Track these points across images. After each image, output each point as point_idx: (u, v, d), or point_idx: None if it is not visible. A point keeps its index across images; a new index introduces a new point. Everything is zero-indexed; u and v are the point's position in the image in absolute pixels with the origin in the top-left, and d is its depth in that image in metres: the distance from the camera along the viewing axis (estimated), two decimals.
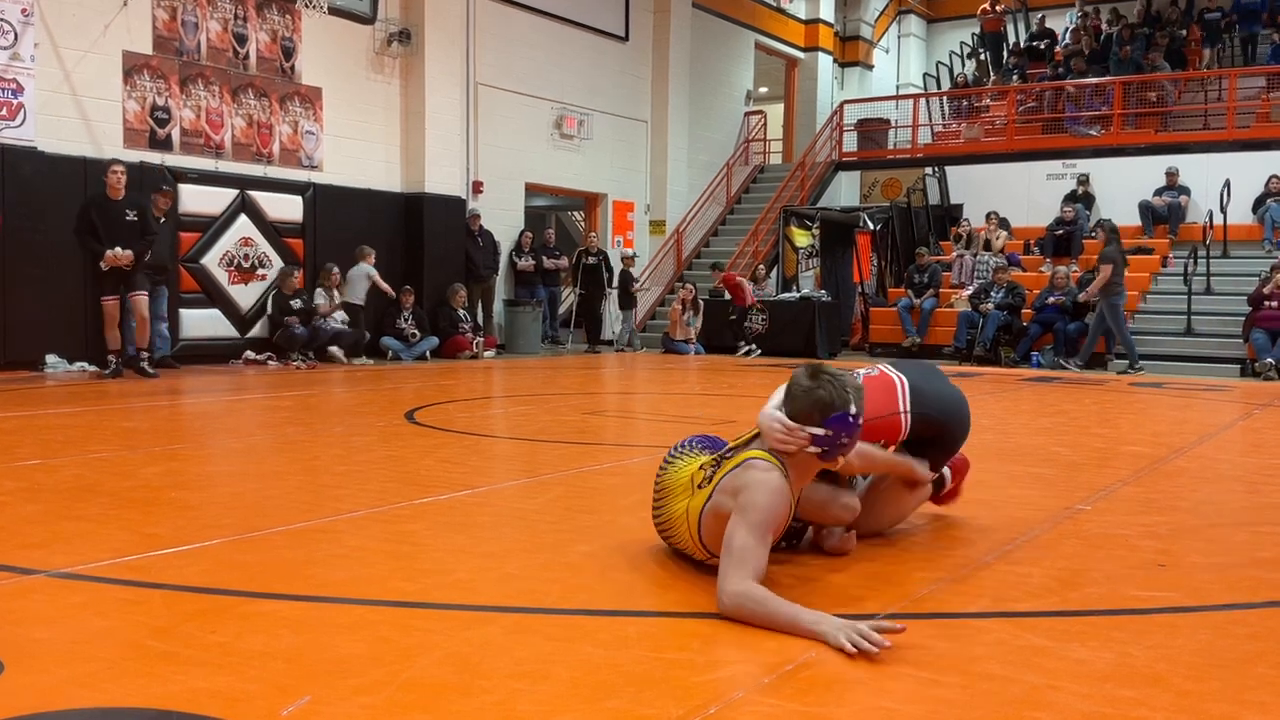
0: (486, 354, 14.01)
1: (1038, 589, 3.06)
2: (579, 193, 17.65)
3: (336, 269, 12.66)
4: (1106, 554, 3.45)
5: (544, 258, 15.77)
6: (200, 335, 11.81)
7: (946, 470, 3.65)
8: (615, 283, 16.35)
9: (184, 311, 11.68)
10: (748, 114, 21.02)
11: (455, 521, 3.88)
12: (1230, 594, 3.06)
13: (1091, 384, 10.97)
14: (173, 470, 4.93)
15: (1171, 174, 15.91)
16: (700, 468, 3.04)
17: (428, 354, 13.34)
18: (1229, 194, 14.54)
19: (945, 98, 20.54)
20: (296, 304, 12.20)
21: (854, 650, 2.38)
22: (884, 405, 3.36)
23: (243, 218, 12.24)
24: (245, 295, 12.27)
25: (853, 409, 2.88)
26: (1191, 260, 13.83)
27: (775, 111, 22.60)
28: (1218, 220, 14.65)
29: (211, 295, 11.97)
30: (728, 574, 2.68)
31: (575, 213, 20.83)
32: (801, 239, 16.69)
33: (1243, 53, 18.69)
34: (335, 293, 12.66)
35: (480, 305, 14.80)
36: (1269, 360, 11.99)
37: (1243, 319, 12.67)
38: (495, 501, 4.32)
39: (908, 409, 3.40)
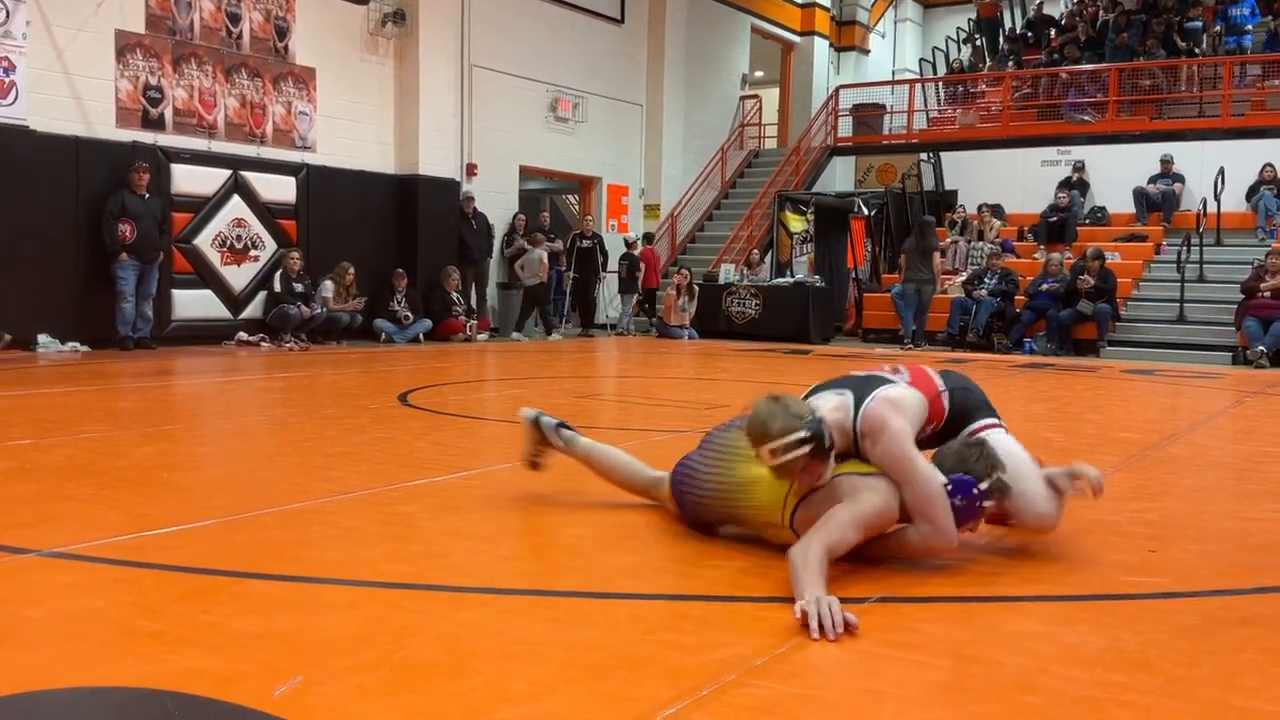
0: (480, 337, 13.99)
1: (1029, 574, 3.07)
2: (573, 176, 17.60)
3: (352, 269, 12.67)
4: (1097, 540, 3.46)
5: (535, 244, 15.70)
6: (192, 316, 11.77)
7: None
8: (614, 266, 16.30)
9: (176, 292, 11.64)
10: (743, 98, 20.96)
11: (448, 503, 3.88)
12: (1220, 580, 3.07)
13: (1084, 371, 10.99)
14: (165, 451, 4.92)
15: (1166, 161, 15.91)
16: None
17: (421, 336, 13.32)
18: (1223, 182, 14.55)
19: (941, 83, 20.50)
20: (299, 288, 12.18)
21: (808, 625, 2.43)
22: (927, 389, 3.34)
23: (236, 198, 12.19)
24: (238, 276, 12.23)
25: (984, 485, 3.02)
26: (1185, 248, 13.85)
27: (771, 96, 22.53)
28: (1211, 208, 14.66)
29: (204, 276, 11.93)
30: (813, 535, 2.80)
31: (570, 196, 20.77)
32: (796, 224, 16.67)
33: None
34: (349, 290, 12.70)
35: (474, 288, 14.77)
36: (1260, 348, 12.02)
37: (1235, 307, 12.69)
38: (488, 484, 4.32)
39: (944, 387, 3.38)
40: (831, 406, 3.12)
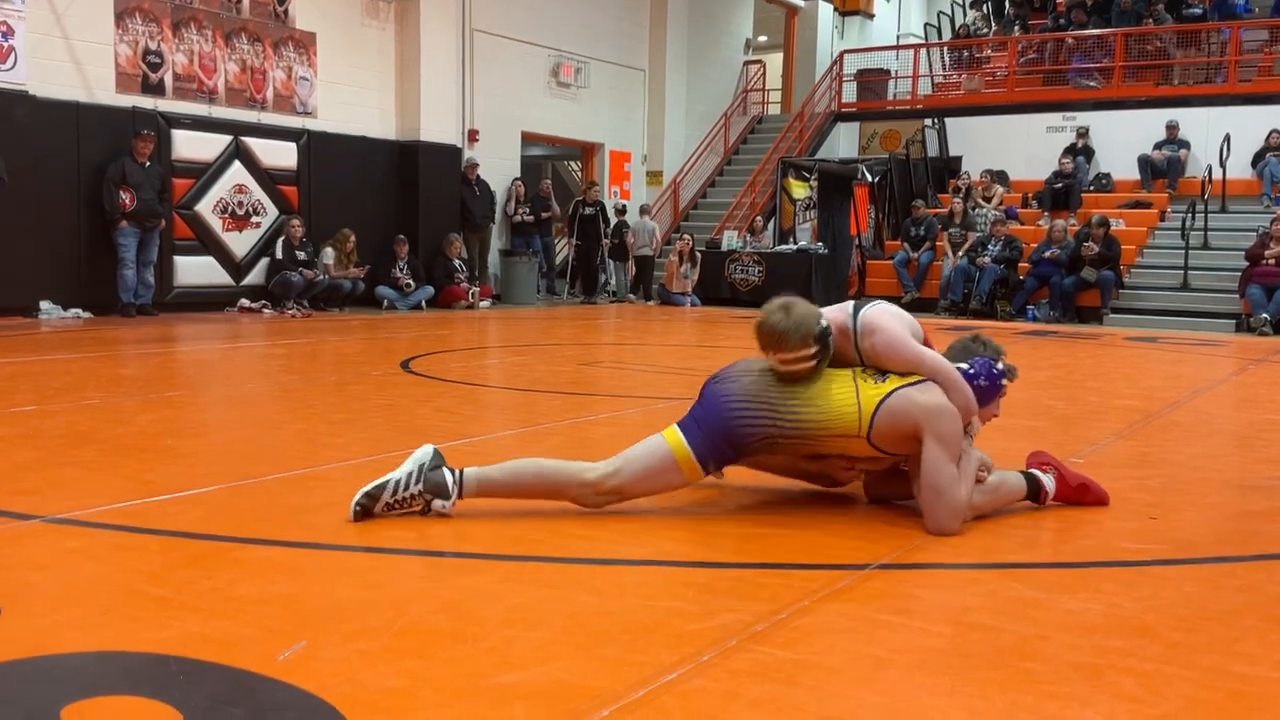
0: (482, 304, 13.98)
1: (1029, 541, 3.08)
2: (575, 142, 17.52)
3: (353, 236, 12.64)
4: (1100, 508, 3.46)
5: (540, 212, 15.67)
6: (194, 283, 11.76)
7: (1038, 474, 3.40)
8: (610, 233, 16.27)
9: (178, 259, 11.61)
10: (746, 63, 20.81)
11: None
12: (1220, 547, 3.08)
13: (1087, 338, 10.98)
14: (168, 417, 4.93)
15: (1172, 127, 15.82)
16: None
17: (423, 304, 13.31)
18: (1229, 148, 14.46)
19: (946, 48, 20.35)
20: (301, 255, 12.17)
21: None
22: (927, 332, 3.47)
23: (236, 164, 12.14)
24: (240, 243, 12.20)
25: (1000, 366, 3.35)
26: (1189, 215, 13.79)
27: (774, 61, 22.38)
28: (1217, 175, 14.58)
29: (205, 242, 11.90)
30: (947, 505, 3.02)
31: (572, 163, 20.68)
32: (799, 191, 16.59)
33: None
34: (350, 258, 12.68)
35: (476, 255, 14.74)
36: (1264, 316, 12.00)
37: (1239, 274, 12.66)
38: (491, 451, 4.32)
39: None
40: (836, 310, 3.36)
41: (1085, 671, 2.10)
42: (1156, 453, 4.62)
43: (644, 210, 16.70)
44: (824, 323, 3.15)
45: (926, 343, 3.31)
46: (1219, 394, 6.96)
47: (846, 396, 3.12)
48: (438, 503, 3.10)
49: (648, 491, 3.21)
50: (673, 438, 3.17)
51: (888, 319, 3.26)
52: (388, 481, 3.09)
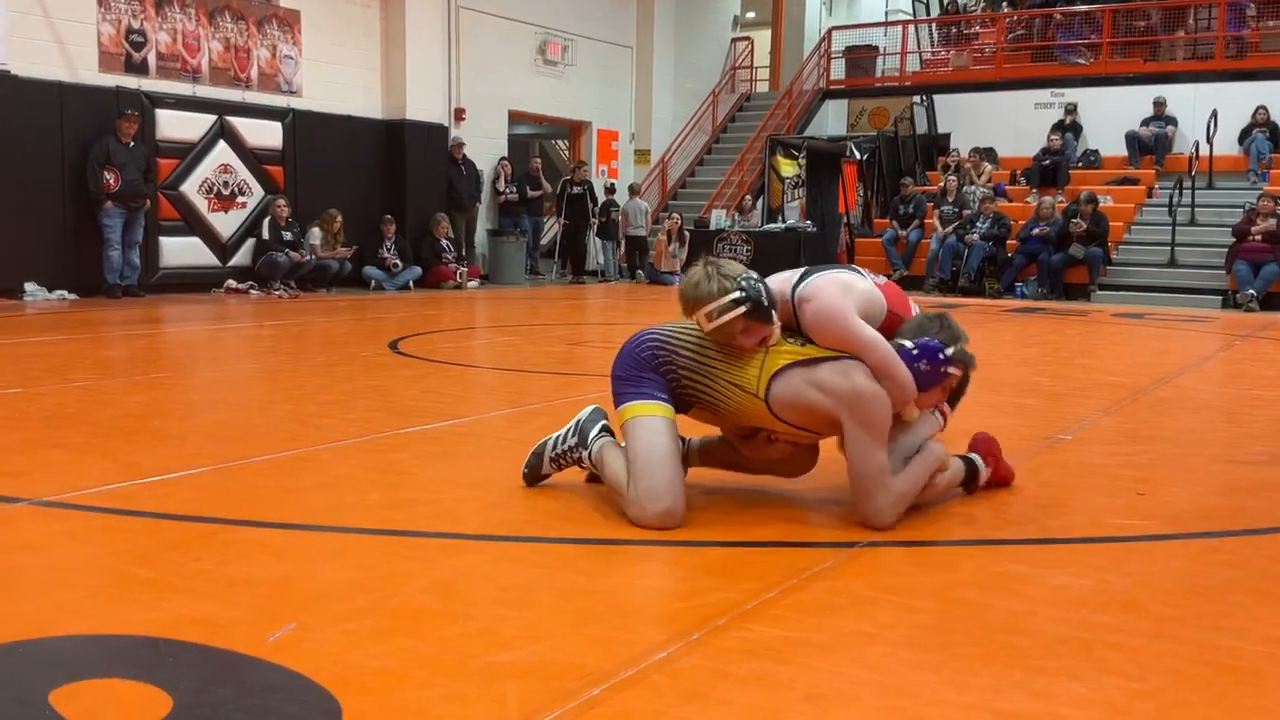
0: (470, 284, 13.94)
1: (1017, 517, 3.09)
2: (563, 121, 17.44)
3: (340, 216, 12.57)
4: (1086, 483, 3.48)
5: (527, 187, 15.62)
6: (180, 264, 11.70)
7: (977, 459, 3.26)
8: (598, 212, 16.24)
9: (163, 239, 11.55)
10: (734, 40, 20.73)
11: (440, 451, 3.88)
12: (1207, 522, 3.09)
13: (1075, 315, 11.01)
14: (155, 399, 4.91)
15: (1159, 104, 15.82)
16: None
17: (411, 284, 13.27)
18: (1216, 124, 14.47)
19: (934, 25, 20.29)
20: (288, 235, 12.10)
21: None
22: (899, 303, 3.17)
23: (221, 144, 12.06)
24: (225, 223, 12.13)
25: (949, 351, 3.02)
26: (1177, 191, 13.81)
27: (762, 38, 22.27)
28: (1204, 151, 14.60)
29: (191, 223, 11.83)
30: (877, 495, 2.83)
31: (560, 141, 20.60)
32: (787, 169, 16.56)
33: None
34: (336, 238, 12.62)
35: (464, 235, 14.70)
36: (1250, 291, 12.04)
37: (1226, 250, 12.69)
38: (480, 431, 4.32)
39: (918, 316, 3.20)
40: (779, 279, 3.07)
41: (1073, 646, 2.11)
42: (1144, 429, 4.63)
43: (635, 190, 16.66)
44: (753, 276, 2.90)
45: (892, 318, 3.05)
46: (1206, 370, 6.99)
47: (751, 353, 2.91)
48: (584, 453, 3.14)
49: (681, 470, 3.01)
50: (636, 409, 2.93)
51: (828, 287, 2.94)
52: (547, 441, 3.23)
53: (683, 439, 3.16)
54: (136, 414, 4.47)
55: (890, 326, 3.07)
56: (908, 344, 2.96)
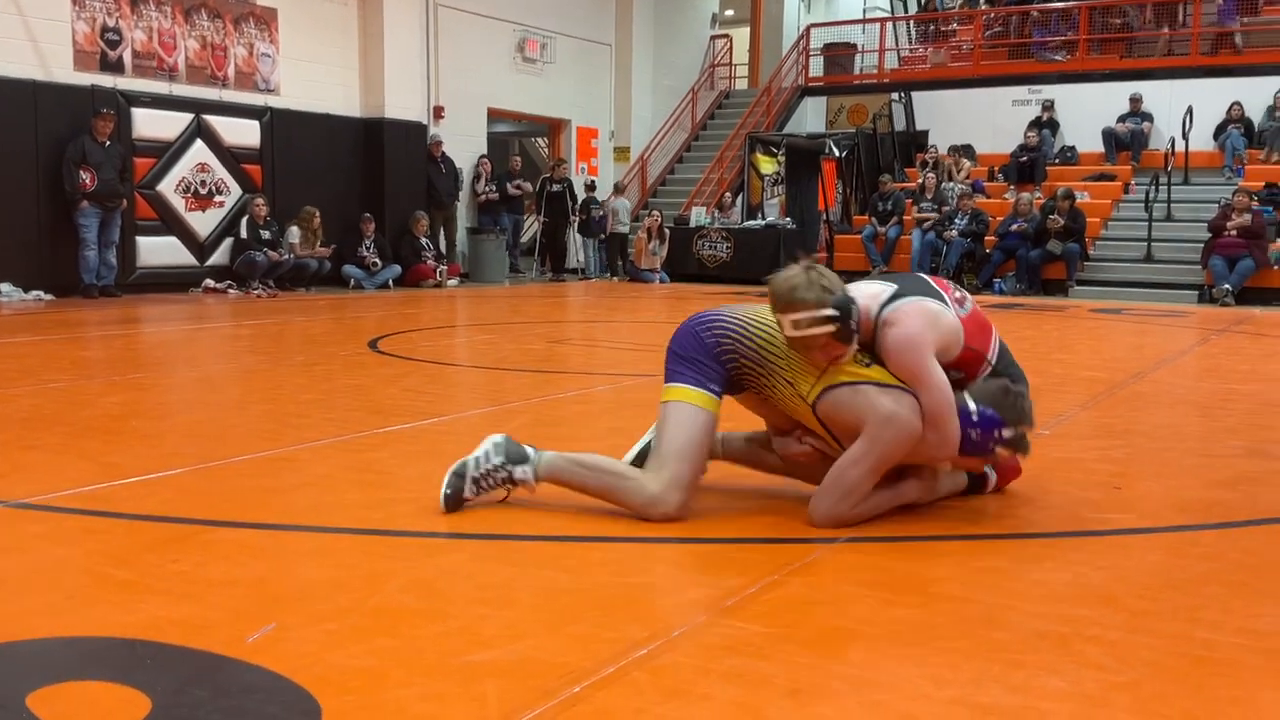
0: (450, 282, 13.90)
1: (996, 512, 3.10)
2: (542, 118, 17.41)
3: (318, 213, 12.51)
4: (1063, 477, 3.50)
5: (507, 184, 15.59)
6: (157, 263, 11.62)
7: (990, 471, 3.22)
8: (577, 210, 16.22)
9: (140, 239, 11.46)
10: (713, 37, 20.74)
11: (420, 450, 3.87)
12: (1183, 516, 3.12)
13: (1053, 310, 11.07)
14: (133, 399, 4.88)
15: (1135, 100, 15.91)
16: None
17: (390, 283, 13.22)
18: (1191, 121, 14.57)
19: (912, 22, 20.36)
20: (266, 234, 12.04)
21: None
22: (979, 341, 3.09)
23: (198, 143, 11.98)
24: (203, 222, 12.06)
25: (1007, 432, 2.91)
26: (1153, 187, 13.90)
27: (741, 35, 22.29)
28: (1179, 147, 14.70)
29: (168, 222, 11.75)
30: (835, 503, 2.81)
31: (539, 139, 20.56)
32: (767, 166, 16.59)
33: None
34: (315, 235, 12.55)
35: (443, 233, 14.66)
36: (1226, 286, 12.13)
37: (1202, 246, 12.78)
38: (460, 430, 4.31)
39: (994, 358, 3.13)
40: (868, 294, 2.98)
41: (1052, 640, 2.13)
42: (1120, 423, 4.66)
43: (619, 189, 16.66)
44: (850, 296, 2.84)
45: (967, 353, 2.99)
46: (1182, 364, 7.04)
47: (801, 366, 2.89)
48: (519, 470, 2.94)
49: (705, 469, 3.01)
50: (686, 394, 2.89)
51: (913, 318, 2.89)
52: (467, 460, 2.96)
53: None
54: (114, 414, 4.44)
55: (964, 360, 3.03)
56: (973, 406, 2.89)
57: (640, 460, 3.14)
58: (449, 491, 2.93)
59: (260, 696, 1.81)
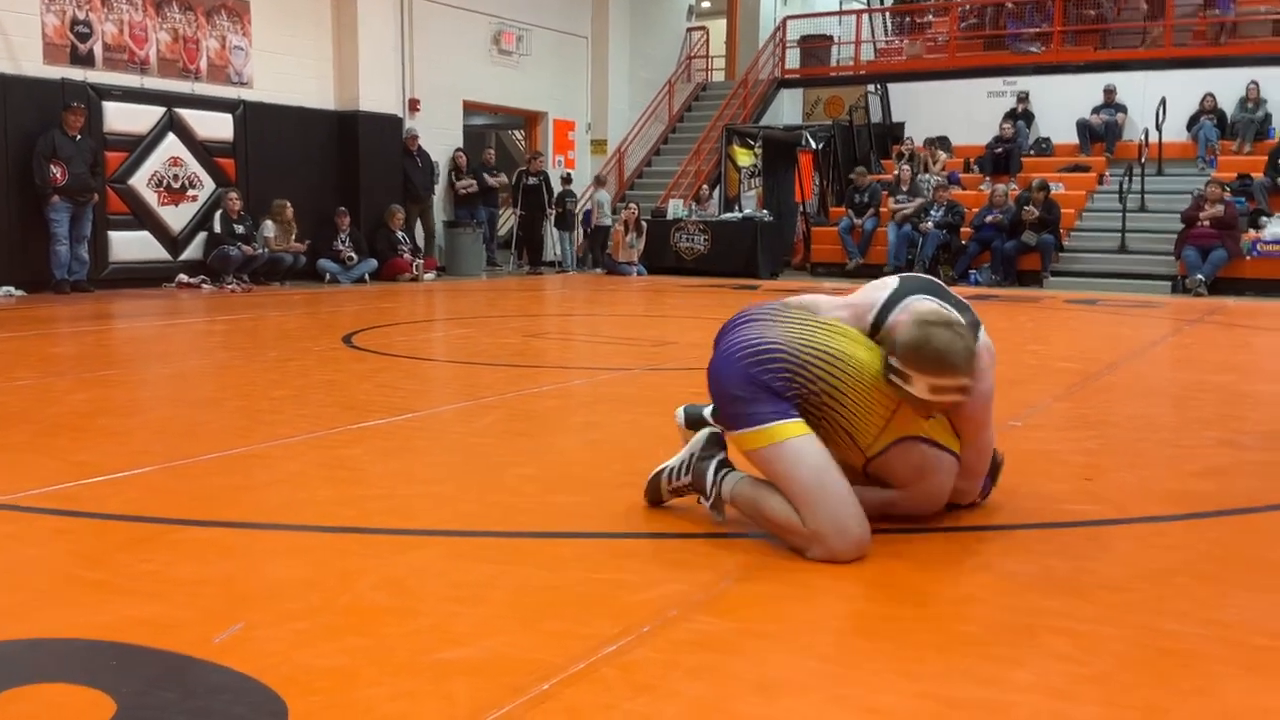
0: (426, 276, 13.85)
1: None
2: (519, 111, 17.35)
3: (290, 206, 12.42)
4: (1036, 469, 3.52)
5: (485, 175, 15.53)
6: (130, 258, 11.51)
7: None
8: (554, 203, 16.19)
9: (112, 234, 11.36)
10: (689, 29, 20.72)
11: (394, 446, 3.86)
12: (1153, 507, 3.14)
13: (1028, 301, 11.12)
14: (102, 397, 4.84)
15: (1109, 92, 16.00)
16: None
17: (366, 277, 13.16)
18: (1164, 112, 14.66)
19: (888, 14, 20.39)
20: (240, 229, 11.96)
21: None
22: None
23: (171, 136, 11.87)
24: (176, 217, 11.95)
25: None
26: (1127, 178, 13.98)
27: (718, 27, 22.28)
28: (1153, 138, 14.79)
29: (141, 217, 11.65)
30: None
31: (516, 132, 20.50)
32: (744, 158, 16.60)
33: None
34: (290, 228, 12.46)
35: (419, 227, 14.59)
36: (1199, 277, 12.22)
37: (1175, 236, 12.87)
38: (434, 426, 4.30)
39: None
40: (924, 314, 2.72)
41: (1019, 632, 2.14)
42: (1093, 414, 4.69)
43: (600, 181, 16.66)
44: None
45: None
46: (1155, 355, 7.09)
47: (885, 401, 2.61)
48: (703, 502, 2.79)
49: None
50: (789, 432, 2.56)
51: (992, 374, 2.77)
52: (662, 470, 2.90)
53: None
54: (83, 412, 4.41)
55: None
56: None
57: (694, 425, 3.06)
58: (649, 497, 2.96)
59: (227, 697, 1.80)
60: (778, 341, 2.63)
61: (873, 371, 2.61)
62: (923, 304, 2.72)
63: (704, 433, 2.88)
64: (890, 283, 2.87)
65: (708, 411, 3.06)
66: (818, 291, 3.22)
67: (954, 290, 2.95)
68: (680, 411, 3.22)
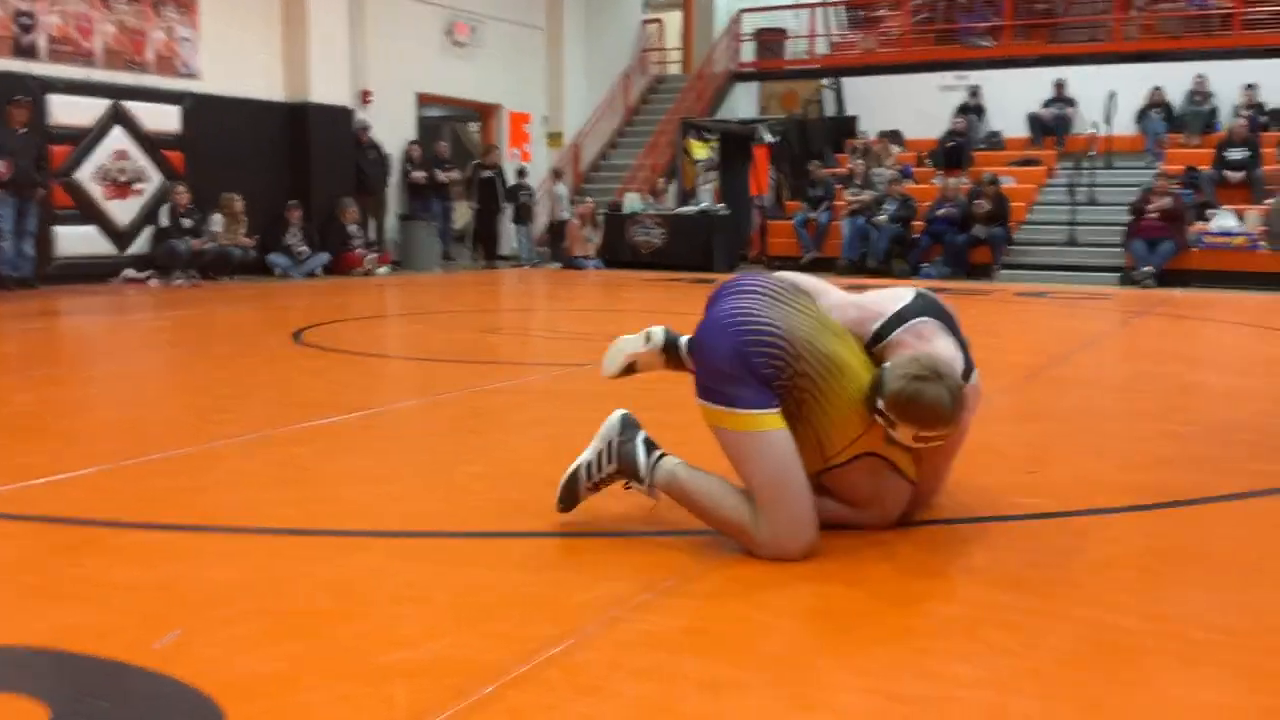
0: (380, 271, 13.73)
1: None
2: (473, 103, 17.23)
3: (239, 199, 12.25)
4: (980, 463, 3.54)
5: (437, 170, 15.42)
6: (76, 253, 11.31)
7: None
8: (509, 196, 16.11)
9: (58, 229, 11.15)
10: (645, 21, 20.69)
11: (343, 445, 3.82)
12: (1096, 499, 3.18)
13: (979, 294, 11.23)
14: (47, 396, 4.76)
15: (1059, 85, 16.18)
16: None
17: (318, 271, 13.02)
18: (1115, 105, 14.85)
19: (843, 7, 20.47)
20: (188, 223, 11.78)
21: None
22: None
23: (117, 129, 11.68)
24: (123, 211, 11.76)
25: None
26: (1076, 171, 14.14)
27: (673, 19, 22.26)
28: (1103, 131, 14.97)
29: (86, 211, 11.45)
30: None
31: (472, 124, 20.36)
32: (700, 151, 16.59)
33: None
34: (239, 222, 12.29)
35: (372, 221, 14.47)
36: (1147, 269, 12.40)
37: (1124, 228, 13.04)
38: (385, 424, 4.27)
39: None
40: (951, 355, 2.72)
41: (962, 626, 2.16)
42: (1038, 407, 4.74)
43: (559, 175, 16.60)
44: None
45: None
46: (1102, 347, 7.19)
47: (863, 416, 2.56)
48: (635, 486, 2.71)
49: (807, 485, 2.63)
50: (765, 423, 2.50)
51: (976, 403, 2.80)
52: (579, 467, 2.75)
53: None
54: (26, 412, 4.33)
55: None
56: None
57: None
58: (562, 504, 2.78)
59: (163, 705, 1.78)
60: (777, 326, 2.55)
61: (859, 385, 2.57)
62: (919, 346, 2.66)
63: (614, 416, 2.76)
64: (904, 296, 2.83)
65: (684, 341, 2.91)
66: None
67: (907, 284, 2.96)
68: (659, 330, 2.99)
